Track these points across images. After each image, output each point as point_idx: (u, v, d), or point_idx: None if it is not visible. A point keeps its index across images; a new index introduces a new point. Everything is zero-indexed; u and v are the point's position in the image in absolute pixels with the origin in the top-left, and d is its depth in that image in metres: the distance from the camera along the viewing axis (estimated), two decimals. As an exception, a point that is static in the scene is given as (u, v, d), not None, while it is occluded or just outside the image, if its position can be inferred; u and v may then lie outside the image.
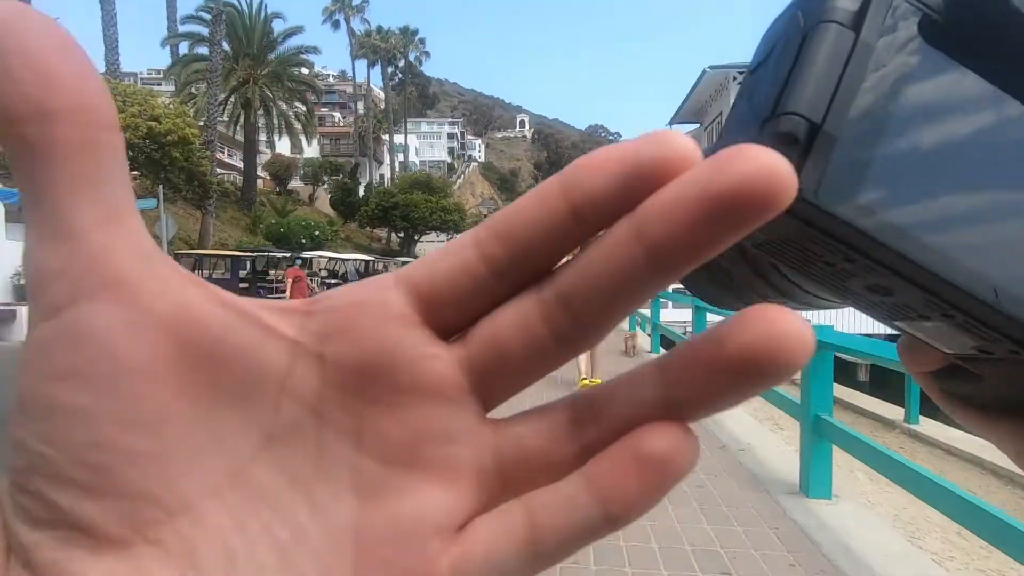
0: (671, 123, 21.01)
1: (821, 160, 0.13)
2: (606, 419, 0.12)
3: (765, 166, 0.10)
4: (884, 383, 9.98)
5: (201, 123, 20.07)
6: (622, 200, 0.11)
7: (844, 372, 9.74)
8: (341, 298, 0.12)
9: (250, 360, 0.12)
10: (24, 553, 0.11)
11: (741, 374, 0.11)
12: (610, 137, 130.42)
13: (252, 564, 0.11)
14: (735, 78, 16.51)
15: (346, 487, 0.12)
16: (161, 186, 13.66)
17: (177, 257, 15.71)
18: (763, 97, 0.13)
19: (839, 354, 2.85)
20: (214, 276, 15.68)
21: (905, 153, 0.13)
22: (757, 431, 4.23)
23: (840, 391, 7.99)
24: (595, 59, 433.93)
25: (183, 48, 27.08)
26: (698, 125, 20.21)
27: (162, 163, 14.83)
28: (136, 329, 0.11)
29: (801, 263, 0.14)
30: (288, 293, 9.31)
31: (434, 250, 0.12)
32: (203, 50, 23.90)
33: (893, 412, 6.99)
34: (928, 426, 6.27)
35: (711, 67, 16.74)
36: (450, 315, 0.12)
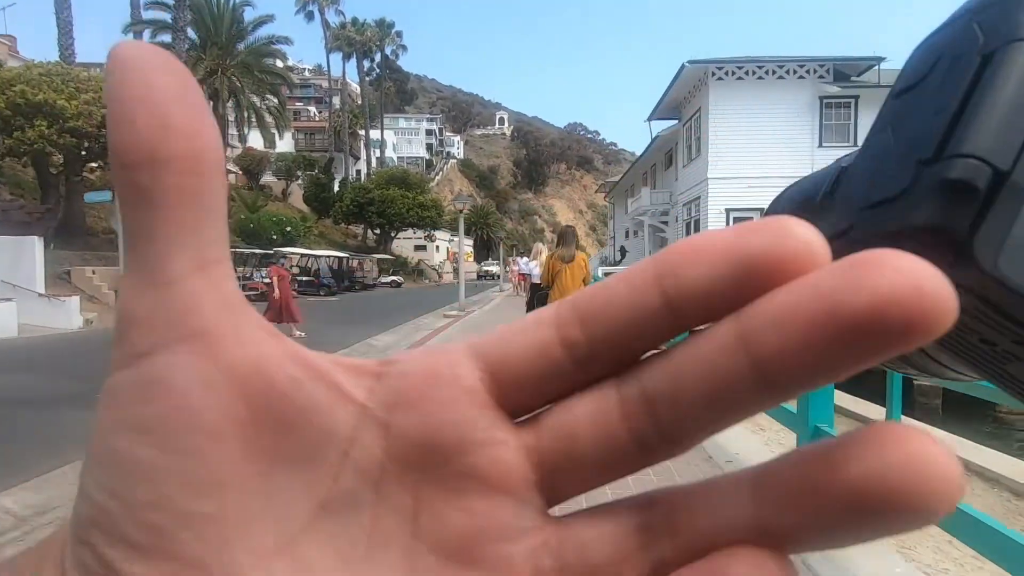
0: (650, 119, 20.84)
1: (1006, 218, 0.10)
2: (684, 533, 0.10)
3: (915, 282, 0.08)
4: (859, 377, 9.84)
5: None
6: (726, 295, 0.10)
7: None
8: (414, 363, 0.12)
9: (316, 423, 0.11)
10: None
11: (862, 510, 0.09)
12: (588, 135, 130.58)
13: None
14: (714, 73, 16.39)
15: (398, 573, 0.11)
16: (116, 178, 12.89)
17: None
18: (921, 130, 0.11)
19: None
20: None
21: None
22: (744, 438, 3.94)
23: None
24: (574, 57, 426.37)
25: (148, 37, 26.05)
26: (676, 121, 20.08)
27: (119, 154, 13.97)
28: (212, 384, 0.11)
29: (952, 339, 0.12)
30: (274, 292, 8.78)
31: (512, 324, 0.12)
32: (168, 38, 22.93)
33: (873, 411, 6.82)
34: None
35: (690, 62, 16.56)
36: (523, 396, 0.11)
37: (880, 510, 0.08)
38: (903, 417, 6.03)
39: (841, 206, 0.12)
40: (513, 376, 0.11)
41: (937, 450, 0.08)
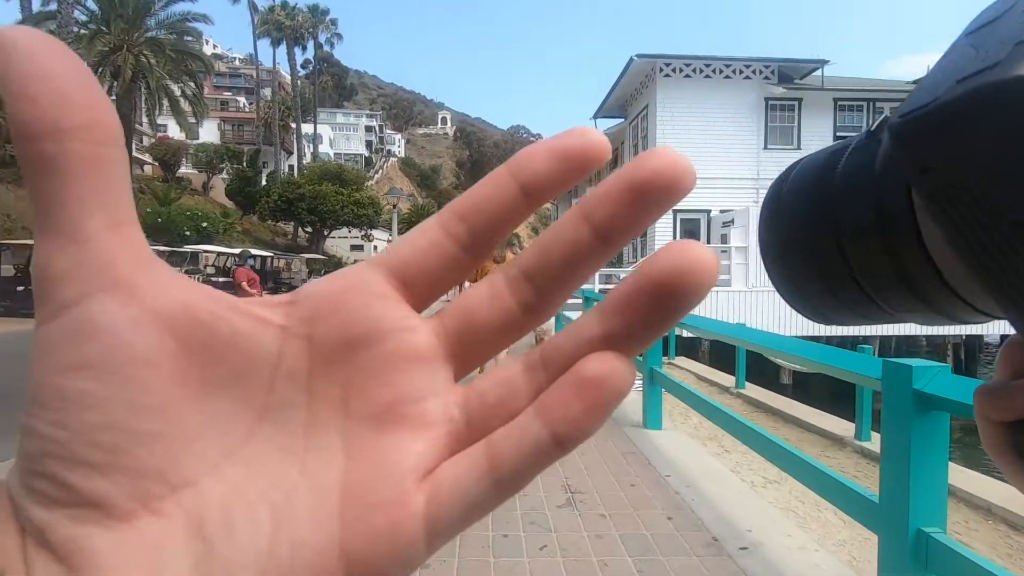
0: (596, 116, 20.21)
1: None
2: (554, 361, 0.14)
3: (671, 161, 0.13)
4: (806, 386, 9.50)
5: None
6: (558, 177, 0.14)
7: (766, 374, 9.18)
8: (323, 286, 0.14)
9: (242, 348, 0.13)
10: (39, 533, 0.12)
11: (661, 294, 0.13)
12: (531, 138, 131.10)
13: (249, 524, 0.13)
14: (662, 69, 15.89)
15: (336, 450, 0.13)
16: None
17: None
18: (1014, 30, 0.13)
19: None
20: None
21: None
22: (760, 510, 2.92)
23: (772, 398, 7.26)
24: (517, 60, 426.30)
25: (39, 3, 22.94)
26: (622, 120, 19.53)
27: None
28: (140, 323, 0.12)
29: (978, 225, 0.13)
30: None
31: (404, 235, 0.15)
32: (55, 7, 20.11)
33: (842, 427, 6.14)
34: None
35: (638, 55, 16.00)
36: (425, 289, 0.14)
37: (670, 290, 0.13)
38: (873, 434, 5.31)
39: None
40: (414, 272, 0.14)
41: (698, 248, 0.13)
